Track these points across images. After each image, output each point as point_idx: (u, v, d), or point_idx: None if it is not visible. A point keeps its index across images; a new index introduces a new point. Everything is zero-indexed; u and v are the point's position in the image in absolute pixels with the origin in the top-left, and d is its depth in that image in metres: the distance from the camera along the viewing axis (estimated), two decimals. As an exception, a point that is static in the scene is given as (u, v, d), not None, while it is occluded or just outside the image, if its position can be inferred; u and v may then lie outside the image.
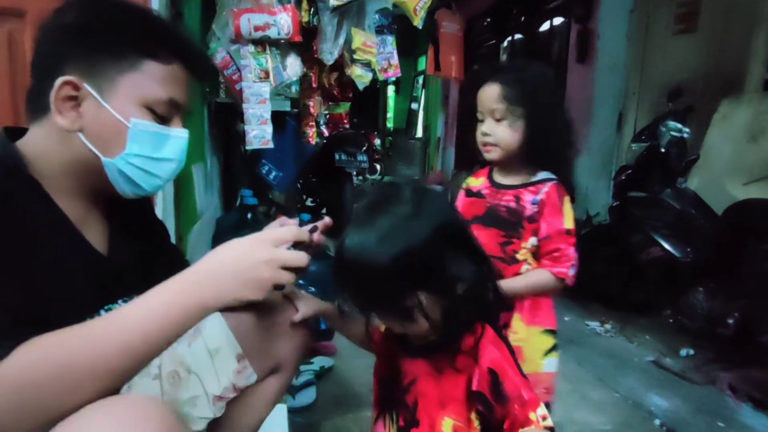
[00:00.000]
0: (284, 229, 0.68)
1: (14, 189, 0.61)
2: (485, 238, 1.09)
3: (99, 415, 0.52)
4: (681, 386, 1.97)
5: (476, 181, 1.20)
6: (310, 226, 0.76)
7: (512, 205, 1.10)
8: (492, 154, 1.10)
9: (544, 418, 0.65)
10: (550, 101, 1.09)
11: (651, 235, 2.40)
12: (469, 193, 1.20)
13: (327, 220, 0.82)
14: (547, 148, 1.08)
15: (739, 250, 2.19)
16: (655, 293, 2.61)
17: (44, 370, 0.52)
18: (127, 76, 0.67)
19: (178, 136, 0.73)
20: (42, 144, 0.68)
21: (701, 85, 2.95)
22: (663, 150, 2.51)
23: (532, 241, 1.09)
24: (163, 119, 0.71)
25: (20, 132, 0.70)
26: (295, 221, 0.78)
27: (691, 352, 2.23)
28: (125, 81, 0.67)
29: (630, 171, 2.71)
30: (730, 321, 2.10)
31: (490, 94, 1.08)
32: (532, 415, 0.64)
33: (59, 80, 0.64)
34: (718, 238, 2.27)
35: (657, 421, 1.70)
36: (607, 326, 2.57)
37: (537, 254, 1.09)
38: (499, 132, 1.08)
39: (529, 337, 1.08)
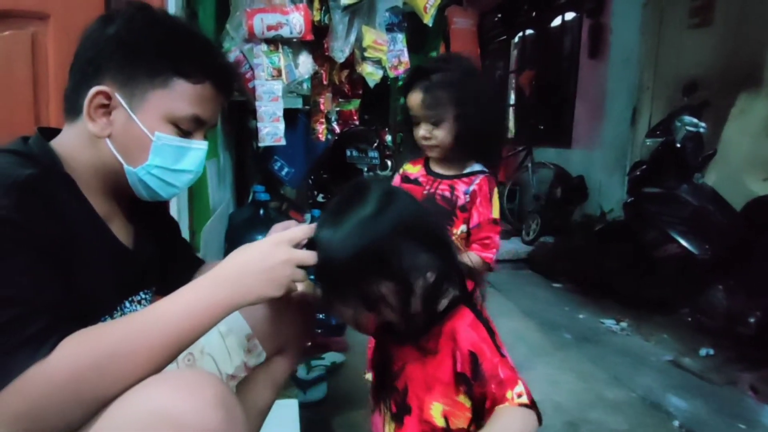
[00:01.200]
0: (298, 229, 0.71)
1: (53, 187, 0.64)
2: None
3: (155, 381, 0.58)
4: (700, 386, 1.93)
5: (413, 169, 1.30)
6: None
7: (447, 194, 1.21)
8: (434, 153, 1.23)
9: (519, 396, 0.68)
10: (477, 99, 1.16)
11: (667, 231, 2.36)
12: (406, 179, 1.29)
13: None
14: (477, 142, 1.19)
15: (759, 247, 2.15)
16: (671, 291, 2.56)
17: (89, 363, 0.56)
18: (157, 92, 0.70)
19: (197, 148, 0.76)
20: (73, 144, 0.72)
21: (717, 79, 2.88)
22: (678, 145, 2.47)
23: (463, 228, 1.20)
24: (186, 133, 0.74)
25: (53, 132, 0.75)
26: (293, 223, 0.81)
27: (711, 351, 2.18)
28: (155, 96, 0.70)
29: (645, 166, 2.67)
30: (751, 319, 2.06)
31: (419, 101, 1.17)
32: (508, 393, 0.68)
33: (94, 89, 0.68)
34: (737, 234, 2.23)
35: (676, 422, 1.67)
36: (623, 324, 2.53)
37: (467, 241, 1.20)
38: (437, 134, 1.19)
39: None
